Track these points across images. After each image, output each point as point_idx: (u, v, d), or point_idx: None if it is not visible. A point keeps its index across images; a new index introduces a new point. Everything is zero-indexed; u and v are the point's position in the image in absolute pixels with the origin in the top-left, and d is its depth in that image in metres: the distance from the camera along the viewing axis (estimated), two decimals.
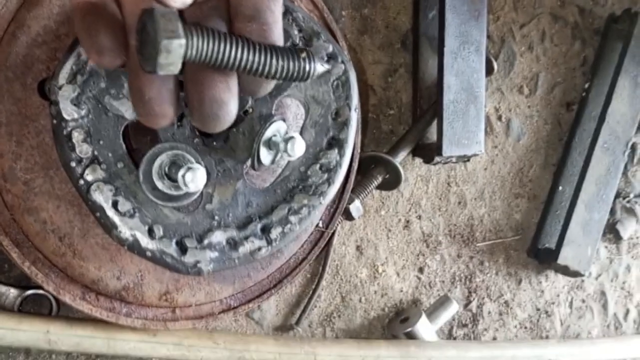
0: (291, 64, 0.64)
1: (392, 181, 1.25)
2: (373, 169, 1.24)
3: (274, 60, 0.63)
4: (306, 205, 0.97)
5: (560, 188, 1.48)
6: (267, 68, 0.63)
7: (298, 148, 0.92)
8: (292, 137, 0.91)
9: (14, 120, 0.90)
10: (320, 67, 0.66)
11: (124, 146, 0.90)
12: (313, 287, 1.25)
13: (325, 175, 0.98)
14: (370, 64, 1.27)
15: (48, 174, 0.92)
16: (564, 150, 1.49)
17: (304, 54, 0.65)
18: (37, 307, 1.05)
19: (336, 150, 0.99)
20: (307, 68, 0.65)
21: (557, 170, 1.49)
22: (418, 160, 1.33)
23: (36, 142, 0.91)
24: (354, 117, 1.00)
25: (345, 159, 0.99)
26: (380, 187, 1.26)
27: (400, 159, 1.25)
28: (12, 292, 1.02)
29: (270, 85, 0.68)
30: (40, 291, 1.02)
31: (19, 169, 0.91)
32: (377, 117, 1.30)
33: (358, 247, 1.30)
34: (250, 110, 0.95)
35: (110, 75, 0.88)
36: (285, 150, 0.92)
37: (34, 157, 0.91)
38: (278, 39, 0.64)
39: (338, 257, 1.28)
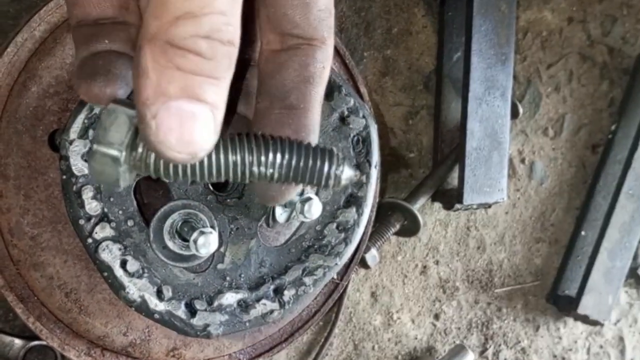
0: (313, 168, 0.51)
1: (410, 228, 1.21)
2: (390, 216, 1.20)
3: (290, 164, 0.50)
4: (321, 266, 0.93)
5: (583, 233, 1.44)
6: (276, 173, 0.50)
7: (315, 210, 0.88)
8: (309, 198, 0.88)
9: (22, 174, 0.87)
10: (348, 173, 0.52)
11: (135, 203, 0.87)
12: (325, 334, 1.22)
13: (342, 235, 0.94)
14: (391, 106, 1.23)
15: (56, 228, 0.89)
16: (587, 194, 1.44)
17: (331, 160, 0.52)
18: (41, 358, 1.02)
19: (354, 209, 0.95)
20: (333, 176, 0.52)
21: (580, 215, 1.44)
22: (437, 204, 1.29)
23: (45, 195, 0.88)
24: (374, 174, 0.96)
25: (363, 218, 0.95)
26: (398, 233, 1.22)
27: (419, 205, 1.21)
28: (17, 343, 0.99)
29: (293, 192, 0.59)
30: (45, 342, 0.99)
31: (26, 224, 0.88)
32: (396, 160, 1.26)
33: (373, 294, 1.26)
34: None
35: None
36: (302, 212, 0.88)
37: (42, 212, 0.88)
38: (314, 134, 0.57)
39: (352, 303, 1.25)
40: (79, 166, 0.83)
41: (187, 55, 0.43)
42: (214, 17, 0.42)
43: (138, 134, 0.47)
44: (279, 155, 0.49)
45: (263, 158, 0.49)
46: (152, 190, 0.91)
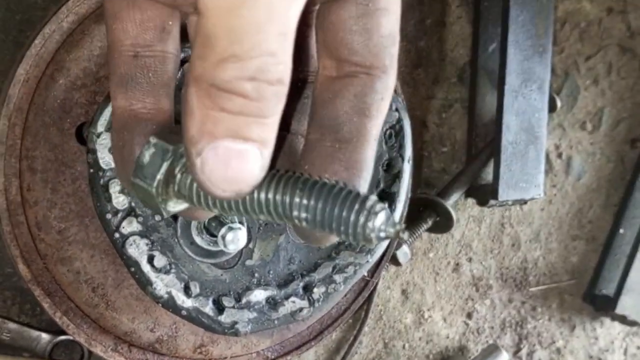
0: (339, 219, 0.45)
1: (443, 225, 1.18)
2: (423, 212, 1.17)
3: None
4: (352, 263, 0.91)
5: (621, 231, 1.39)
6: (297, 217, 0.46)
7: None
8: None
9: (50, 167, 0.86)
10: (381, 227, 0.44)
11: None
12: (354, 332, 1.19)
13: None
14: (423, 99, 1.20)
15: (83, 222, 0.88)
16: (626, 190, 1.40)
17: (360, 210, 0.44)
18: (68, 352, 1.02)
19: (386, 205, 0.92)
20: (361, 230, 0.44)
21: (618, 212, 1.40)
22: (471, 200, 1.26)
23: (72, 189, 0.87)
24: (407, 169, 0.93)
25: (396, 214, 0.92)
26: (430, 230, 1.19)
27: (452, 201, 1.18)
28: (44, 337, 0.98)
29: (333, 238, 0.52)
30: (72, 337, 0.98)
31: (53, 218, 0.87)
32: (429, 155, 1.23)
33: (403, 291, 1.24)
34: None
35: None
36: None
37: (69, 205, 0.87)
38: (366, 172, 0.52)
39: (382, 301, 1.22)
40: (106, 159, 0.82)
41: (232, 97, 0.41)
42: (261, 59, 0.40)
43: (177, 166, 0.48)
44: (310, 201, 0.45)
45: (296, 199, 0.45)
46: None
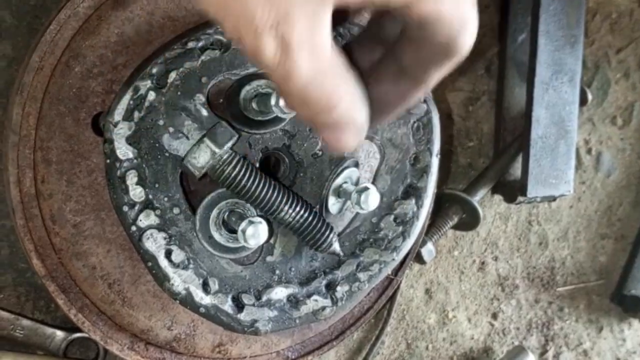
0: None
1: (469, 222, 1.14)
2: (448, 208, 1.13)
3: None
4: (377, 261, 0.87)
5: None
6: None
7: (372, 200, 0.82)
8: (365, 188, 0.82)
9: (65, 159, 0.83)
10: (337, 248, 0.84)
11: (181, 190, 0.82)
12: (377, 332, 1.16)
13: (400, 228, 0.88)
14: (449, 92, 1.16)
15: (99, 216, 0.85)
16: None
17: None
18: (83, 350, 0.99)
19: (413, 201, 0.88)
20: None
21: None
22: (497, 197, 1.22)
23: (88, 181, 0.84)
24: (435, 163, 0.90)
25: (423, 211, 0.89)
26: (455, 227, 1.15)
27: (479, 197, 1.14)
28: (59, 334, 0.95)
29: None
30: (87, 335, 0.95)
31: (68, 211, 0.84)
32: (454, 149, 1.19)
33: (427, 291, 1.20)
34: (320, 153, 0.86)
35: (170, 112, 0.80)
36: (358, 203, 0.82)
37: (84, 198, 0.84)
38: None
39: (405, 300, 1.18)
40: (123, 150, 0.79)
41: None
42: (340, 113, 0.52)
43: None
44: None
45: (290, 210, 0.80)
46: (199, 178, 0.85)
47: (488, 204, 1.22)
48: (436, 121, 0.89)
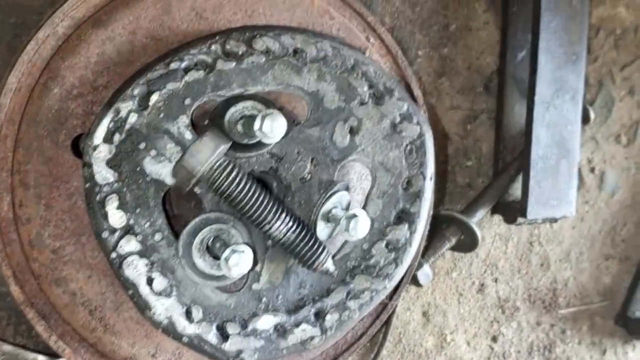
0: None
1: (467, 244, 1.11)
2: (446, 229, 1.10)
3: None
4: (368, 289, 0.84)
5: None
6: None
7: (361, 228, 0.79)
8: (354, 215, 0.79)
9: (43, 182, 0.80)
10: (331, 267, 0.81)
11: (163, 214, 0.79)
12: (372, 356, 1.12)
13: (392, 255, 0.84)
14: (447, 109, 1.13)
15: (79, 241, 0.82)
16: None
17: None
18: None
19: (406, 226, 0.85)
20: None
21: None
22: (497, 217, 1.18)
23: (67, 205, 0.81)
24: (429, 187, 0.86)
25: (416, 236, 0.85)
26: (453, 248, 1.12)
27: (477, 218, 1.11)
28: (41, 359, 0.93)
29: None
30: None
31: (47, 236, 0.81)
32: (452, 169, 1.16)
33: (424, 313, 1.16)
34: (309, 176, 0.83)
35: (152, 135, 0.77)
36: (347, 230, 0.79)
37: (64, 223, 0.81)
38: None
39: (401, 323, 1.15)
40: (103, 174, 0.76)
41: None
42: None
43: None
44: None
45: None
46: (183, 201, 0.83)
47: (487, 225, 1.18)
48: (430, 144, 0.86)
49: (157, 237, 0.78)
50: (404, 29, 1.07)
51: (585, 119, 1.14)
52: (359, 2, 0.94)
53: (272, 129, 0.74)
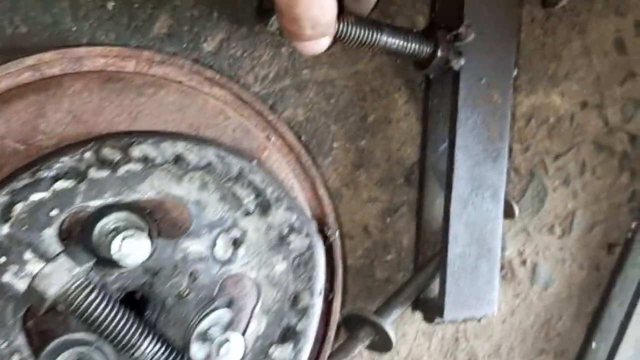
0: None
1: (382, 344, 1.05)
2: (358, 330, 1.04)
3: None
4: None
5: (594, 345, 1.26)
6: None
7: (234, 354, 0.74)
8: (226, 340, 0.74)
9: None
10: None
11: (23, 334, 0.74)
12: None
13: None
14: (365, 202, 1.09)
15: None
16: (601, 300, 1.27)
17: None
18: None
19: (291, 345, 0.80)
20: None
21: (591, 323, 1.27)
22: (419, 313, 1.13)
23: None
24: (318, 303, 0.81)
25: (302, 356, 0.80)
26: (370, 347, 1.06)
27: (393, 317, 1.06)
28: None
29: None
30: None
31: None
32: (370, 263, 1.11)
33: None
34: (187, 292, 0.78)
35: (13, 248, 0.72)
36: (218, 355, 0.74)
37: None
38: None
39: None
40: None
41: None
42: (319, 25, 0.73)
43: None
44: None
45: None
46: (51, 315, 0.78)
47: (409, 320, 1.13)
48: (320, 257, 0.82)
49: (15, 358, 0.73)
50: (318, 121, 1.03)
51: (509, 214, 1.10)
52: (259, 101, 0.90)
53: (131, 252, 0.70)
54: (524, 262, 1.21)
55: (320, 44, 0.79)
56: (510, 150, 1.06)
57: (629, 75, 1.24)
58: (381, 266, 1.11)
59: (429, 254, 1.09)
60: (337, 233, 0.93)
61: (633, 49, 1.24)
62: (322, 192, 0.93)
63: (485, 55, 1.02)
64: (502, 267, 1.13)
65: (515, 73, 1.07)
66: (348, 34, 0.91)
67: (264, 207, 0.80)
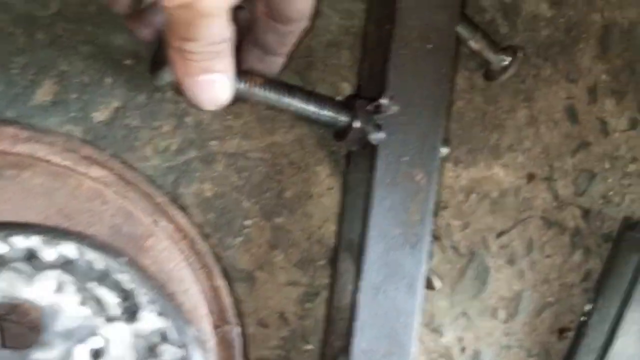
0: None
1: None
2: None
3: None
4: None
5: None
6: None
7: None
8: None
9: None
10: None
11: None
12: None
13: None
14: (282, 286, 1.00)
15: None
16: None
17: None
18: None
19: None
20: None
21: None
22: None
23: None
24: None
25: None
26: None
27: None
28: None
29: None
30: None
31: None
32: (287, 355, 1.01)
33: None
34: None
35: None
36: None
37: None
38: None
39: None
40: None
41: (194, 55, 0.66)
42: (207, 37, 0.64)
43: None
44: None
45: None
46: None
47: None
48: None
49: None
50: (228, 197, 0.95)
51: (429, 287, 1.00)
52: (146, 181, 0.82)
53: None
54: (463, 350, 1.11)
55: (216, 90, 0.71)
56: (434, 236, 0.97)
57: (581, 145, 1.16)
58: (299, 357, 1.02)
59: (337, 345, 0.99)
60: (237, 330, 0.84)
61: (586, 117, 1.16)
62: (219, 282, 0.85)
63: (409, 130, 0.94)
64: None
65: (446, 150, 0.99)
66: (252, 94, 0.82)
67: (132, 312, 0.71)
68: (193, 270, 0.83)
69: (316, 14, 0.95)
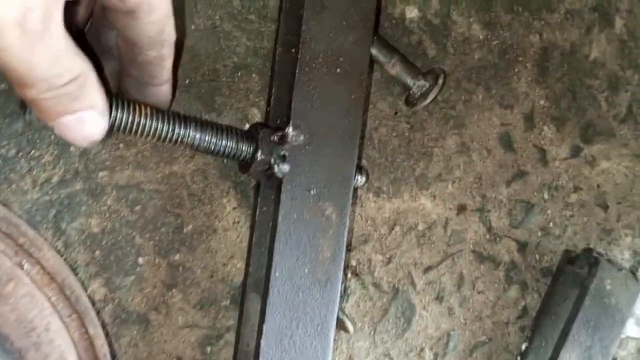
0: None
1: None
2: None
3: None
4: None
5: None
6: None
7: None
8: None
9: None
10: None
11: None
12: None
13: None
14: (180, 328, 0.92)
15: None
16: None
17: None
18: None
19: None
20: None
21: None
22: None
23: None
24: None
25: None
26: None
27: None
28: None
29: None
30: None
31: None
32: None
33: None
34: None
35: None
36: None
37: None
38: None
39: None
40: None
41: (47, 100, 0.59)
42: (51, 82, 0.57)
43: None
44: None
45: None
46: None
47: None
48: None
49: None
50: (118, 232, 0.87)
51: (343, 329, 0.93)
52: (6, 221, 0.74)
53: None
54: None
55: (86, 128, 0.63)
56: (354, 272, 0.89)
57: (518, 174, 1.08)
58: None
59: None
60: None
61: (522, 145, 1.09)
62: (93, 330, 0.76)
63: (317, 161, 0.86)
64: None
65: (363, 180, 0.91)
66: (139, 126, 0.74)
67: None
68: (62, 317, 0.75)
69: (183, 37, 0.88)
